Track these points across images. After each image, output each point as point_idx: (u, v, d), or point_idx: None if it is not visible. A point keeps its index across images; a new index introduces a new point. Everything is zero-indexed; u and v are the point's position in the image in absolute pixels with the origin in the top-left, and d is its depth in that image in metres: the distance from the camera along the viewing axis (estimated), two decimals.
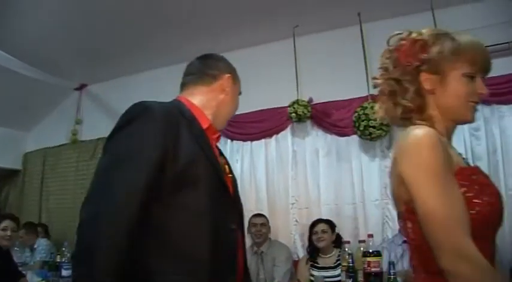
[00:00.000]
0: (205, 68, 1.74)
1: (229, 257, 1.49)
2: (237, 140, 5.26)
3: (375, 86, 1.41)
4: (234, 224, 1.54)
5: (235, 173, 5.66)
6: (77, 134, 6.27)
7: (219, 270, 1.41)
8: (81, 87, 6.43)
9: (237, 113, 5.59)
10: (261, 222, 4.51)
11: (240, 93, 1.82)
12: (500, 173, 4.20)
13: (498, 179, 4.18)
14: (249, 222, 4.48)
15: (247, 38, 5.15)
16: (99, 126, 5.89)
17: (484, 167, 4.19)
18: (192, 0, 4.48)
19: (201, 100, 1.67)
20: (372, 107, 4.40)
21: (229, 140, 5.29)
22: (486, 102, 4.27)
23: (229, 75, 1.74)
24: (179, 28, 4.96)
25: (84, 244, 1.26)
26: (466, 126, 4.31)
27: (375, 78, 1.40)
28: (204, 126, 1.60)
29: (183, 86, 1.74)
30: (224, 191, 1.55)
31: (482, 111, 4.31)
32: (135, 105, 1.47)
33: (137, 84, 5.93)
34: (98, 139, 6.05)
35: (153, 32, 5.02)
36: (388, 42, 1.38)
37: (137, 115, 1.42)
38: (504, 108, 4.29)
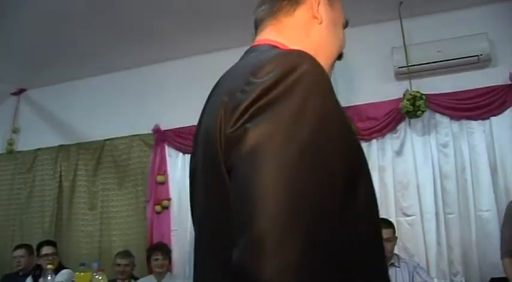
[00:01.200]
0: None
1: None
2: (190, 153, 4.72)
3: None
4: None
5: (187, 189, 5.30)
6: (14, 144, 5.83)
7: None
8: (20, 92, 6.01)
9: (190, 124, 5.26)
10: None
11: (346, 25, 1.19)
12: (469, 192, 4.08)
13: (466, 199, 4.08)
14: None
15: (202, 43, 4.94)
16: (38, 136, 5.70)
17: (452, 186, 4.14)
18: (140, 5, 4.25)
19: (289, 41, 1.08)
20: None
21: (180, 153, 5.07)
22: (455, 117, 4.21)
23: None
24: (128, 33, 4.72)
25: None
26: (433, 143, 4.25)
27: None
28: None
29: (258, 24, 1.16)
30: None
31: (451, 126, 4.23)
32: (295, 54, 0.92)
33: (80, 90, 5.68)
34: (37, 150, 5.69)
35: (99, 36, 4.76)
36: None
37: (306, 72, 0.85)
38: (473, 124, 4.19)
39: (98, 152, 5.38)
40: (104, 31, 4.67)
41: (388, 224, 3.74)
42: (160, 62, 5.25)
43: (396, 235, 3.80)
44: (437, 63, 4.22)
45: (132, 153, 5.26)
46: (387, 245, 3.52)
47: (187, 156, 4.97)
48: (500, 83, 4.09)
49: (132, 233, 5.03)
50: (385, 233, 3.54)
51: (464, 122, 4.21)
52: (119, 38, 4.81)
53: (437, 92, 4.22)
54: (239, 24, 4.53)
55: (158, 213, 4.92)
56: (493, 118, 4.10)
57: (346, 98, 4.42)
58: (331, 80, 0.92)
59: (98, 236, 5.12)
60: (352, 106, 4.44)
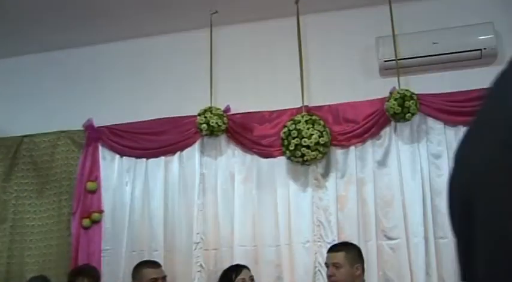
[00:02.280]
0: None
1: None
2: (128, 156, 4.65)
3: None
4: None
5: (123, 199, 4.65)
6: None
7: None
8: None
9: (129, 120, 4.89)
10: (162, 275, 3.85)
11: None
12: None
13: None
14: (140, 273, 3.79)
15: (146, 24, 4.64)
16: None
17: (445, 204, 3.73)
18: None
19: None
20: (306, 121, 4.08)
21: (117, 156, 4.66)
22: (450, 122, 4.02)
23: None
24: (57, 6, 4.39)
25: None
26: (424, 152, 4.07)
27: None
28: None
29: None
30: None
31: (445, 133, 4.03)
32: None
33: None
34: None
35: (21, 7, 4.40)
36: None
37: None
38: None
39: (13, 151, 4.94)
40: (28, 2, 4.32)
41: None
42: (96, 44, 4.89)
43: (359, 259, 3.47)
44: (431, 57, 4.09)
45: (57, 154, 4.84)
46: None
47: (125, 160, 4.66)
48: None
49: (51, 253, 4.62)
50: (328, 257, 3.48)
51: (462, 128, 3.99)
52: (46, 12, 4.47)
53: (430, 92, 4.05)
54: (191, 2, 4.36)
55: (86, 228, 4.51)
56: None
57: (320, 95, 4.39)
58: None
59: (6, 257, 4.66)
60: (326, 105, 4.29)
